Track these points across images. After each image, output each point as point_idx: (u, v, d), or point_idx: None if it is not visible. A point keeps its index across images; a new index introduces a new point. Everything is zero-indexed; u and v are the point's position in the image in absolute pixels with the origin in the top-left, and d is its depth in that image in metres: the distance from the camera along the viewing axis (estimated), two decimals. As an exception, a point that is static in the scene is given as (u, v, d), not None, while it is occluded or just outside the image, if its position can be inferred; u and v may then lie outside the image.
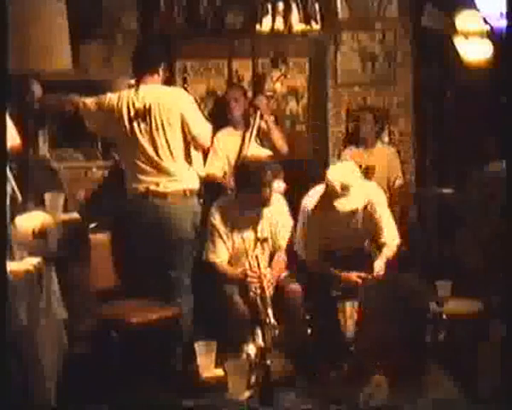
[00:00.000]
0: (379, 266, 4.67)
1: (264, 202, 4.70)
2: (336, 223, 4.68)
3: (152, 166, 4.60)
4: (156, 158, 4.60)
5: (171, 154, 4.61)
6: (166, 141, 4.60)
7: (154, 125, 4.58)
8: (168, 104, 4.59)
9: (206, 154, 5.10)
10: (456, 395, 2.15)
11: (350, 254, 4.78)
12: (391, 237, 4.81)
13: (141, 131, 4.60)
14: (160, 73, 4.73)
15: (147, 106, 4.59)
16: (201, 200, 4.87)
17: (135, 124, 4.60)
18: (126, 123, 4.60)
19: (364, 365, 2.27)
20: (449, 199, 5.65)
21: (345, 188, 4.50)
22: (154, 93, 4.63)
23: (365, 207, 4.70)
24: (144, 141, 4.59)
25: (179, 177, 4.63)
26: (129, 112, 4.61)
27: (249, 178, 4.66)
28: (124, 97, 4.65)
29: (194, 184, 4.72)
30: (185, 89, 5.65)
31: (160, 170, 4.61)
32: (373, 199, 4.73)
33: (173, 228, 4.60)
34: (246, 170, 4.74)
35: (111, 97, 4.70)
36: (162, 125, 4.58)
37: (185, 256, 4.65)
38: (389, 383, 2.21)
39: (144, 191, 4.62)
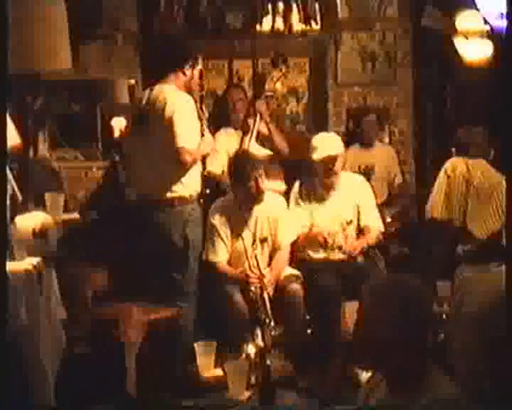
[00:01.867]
0: (351, 244, 4.83)
1: (254, 198, 4.70)
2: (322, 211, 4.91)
3: (145, 171, 4.52)
4: (149, 163, 4.49)
5: (164, 159, 4.44)
6: (159, 144, 4.44)
7: (149, 127, 4.46)
8: (163, 104, 4.41)
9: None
10: (456, 396, 2.14)
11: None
12: (375, 224, 4.95)
13: (139, 132, 4.53)
14: (187, 73, 4.55)
15: (148, 107, 4.49)
16: (201, 200, 4.83)
17: (136, 125, 4.56)
18: (131, 124, 4.59)
19: (362, 364, 2.27)
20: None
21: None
22: (158, 94, 4.48)
23: (353, 202, 4.89)
24: (142, 145, 4.52)
25: (170, 184, 4.47)
26: (136, 114, 4.57)
27: (237, 173, 4.69)
28: (138, 97, 4.65)
29: (186, 192, 4.52)
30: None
31: (153, 175, 4.49)
32: (359, 196, 4.90)
33: (160, 237, 4.50)
34: (234, 165, 4.77)
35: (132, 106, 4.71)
36: (156, 127, 4.44)
37: (179, 267, 4.57)
38: (388, 383, 2.21)
39: (137, 197, 4.58)
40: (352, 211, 4.89)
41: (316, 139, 4.97)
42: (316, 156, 4.84)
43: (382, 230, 5.01)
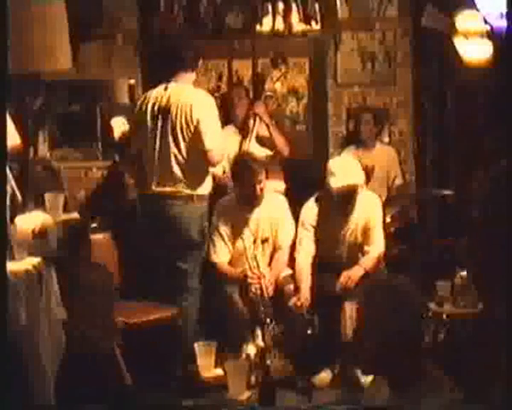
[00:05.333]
0: (344, 275, 4.58)
1: (255, 200, 4.70)
2: (332, 235, 4.70)
3: (164, 167, 4.59)
4: (168, 160, 4.56)
5: (184, 157, 4.55)
6: (180, 143, 4.54)
7: (170, 125, 4.54)
8: (187, 106, 4.51)
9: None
10: (456, 396, 2.14)
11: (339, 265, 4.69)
12: (375, 247, 4.70)
13: (159, 130, 4.59)
14: (195, 71, 4.72)
15: (169, 105, 4.56)
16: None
17: (155, 123, 4.60)
18: (149, 121, 4.62)
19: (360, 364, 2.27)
20: (449, 200, 5.66)
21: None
22: (179, 93, 4.58)
23: (363, 223, 4.69)
24: (160, 141, 4.59)
25: (189, 181, 4.57)
26: (153, 110, 4.61)
27: (239, 175, 4.71)
28: (152, 95, 4.65)
29: (204, 190, 4.65)
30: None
31: (172, 173, 4.57)
32: (371, 216, 4.69)
33: (179, 232, 4.57)
34: (237, 167, 4.78)
35: (140, 102, 4.72)
36: (178, 126, 4.52)
37: (191, 259, 4.63)
38: (389, 384, 2.21)
39: (153, 193, 4.63)
40: (360, 233, 4.72)
41: (334, 163, 4.69)
42: (333, 183, 4.54)
43: (382, 251, 4.73)
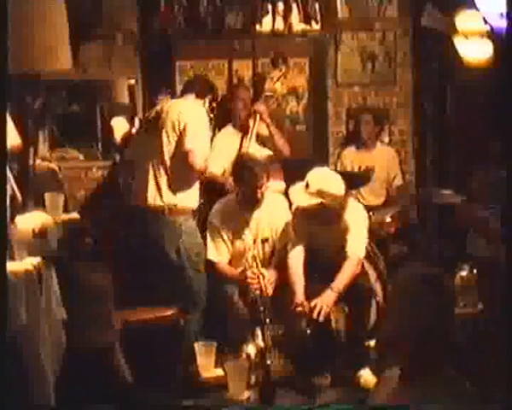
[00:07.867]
0: (317, 304, 4.31)
1: (256, 201, 4.70)
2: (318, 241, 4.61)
3: (148, 178, 4.60)
4: (150, 168, 4.59)
5: (164, 166, 4.56)
6: (164, 151, 4.56)
7: (159, 133, 4.57)
8: (176, 113, 4.55)
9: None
10: (469, 396, 2.13)
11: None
12: (353, 250, 4.46)
13: (144, 138, 4.64)
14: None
15: (156, 114, 4.63)
16: (201, 200, 4.88)
17: (143, 130, 4.68)
18: (140, 132, 4.67)
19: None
20: (448, 199, 5.65)
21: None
22: (172, 104, 4.67)
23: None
24: (146, 151, 4.60)
25: (167, 191, 4.57)
26: (143, 122, 4.68)
27: (240, 176, 4.71)
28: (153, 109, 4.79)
29: (182, 202, 4.61)
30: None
31: (152, 181, 4.59)
32: (353, 221, 4.51)
33: (155, 245, 4.59)
34: (239, 169, 4.77)
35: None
36: (162, 133, 4.55)
37: (173, 273, 4.61)
38: (403, 378, 2.19)
39: (136, 203, 4.65)
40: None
41: (311, 175, 4.45)
42: (298, 201, 4.49)
43: (361, 256, 4.50)
